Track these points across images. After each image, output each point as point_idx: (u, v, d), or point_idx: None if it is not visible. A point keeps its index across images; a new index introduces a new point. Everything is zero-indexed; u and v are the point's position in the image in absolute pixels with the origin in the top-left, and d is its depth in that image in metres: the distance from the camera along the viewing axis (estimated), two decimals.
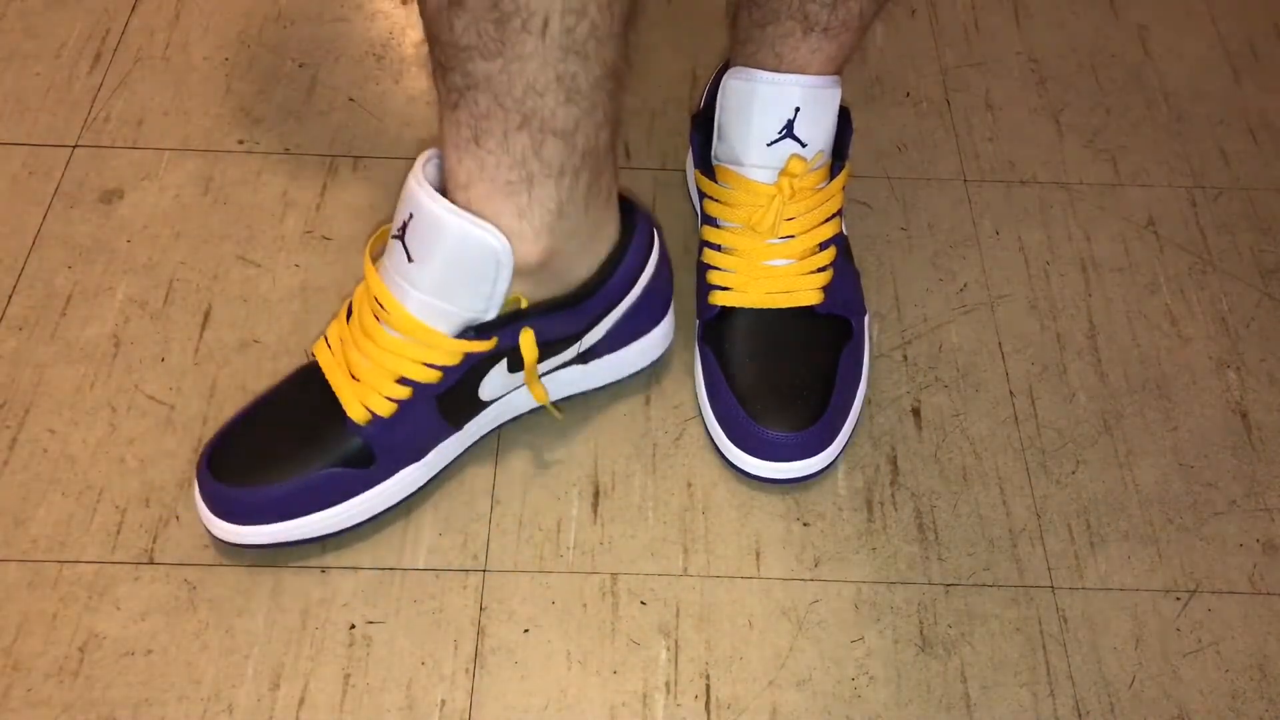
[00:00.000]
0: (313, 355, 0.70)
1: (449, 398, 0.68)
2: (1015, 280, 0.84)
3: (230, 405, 0.75)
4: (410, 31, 0.98)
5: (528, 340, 0.66)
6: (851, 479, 0.74)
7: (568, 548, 0.70)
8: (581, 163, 0.62)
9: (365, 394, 0.66)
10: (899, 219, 0.87)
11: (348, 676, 0.65)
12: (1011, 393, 0.78)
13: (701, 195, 0.77)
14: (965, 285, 0.83)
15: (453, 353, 0.65)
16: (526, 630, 0.67)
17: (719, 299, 0.74)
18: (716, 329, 0.74)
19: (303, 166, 0.89)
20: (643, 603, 0.68)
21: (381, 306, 0.65)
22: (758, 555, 0.70)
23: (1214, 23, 1.02)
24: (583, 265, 0.68)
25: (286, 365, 0.77)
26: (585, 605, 0.68)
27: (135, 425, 0.74)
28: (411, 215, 0.62)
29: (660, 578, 0.69)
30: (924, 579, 0.69)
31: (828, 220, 0.74)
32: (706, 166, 0.76)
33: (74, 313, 0.79)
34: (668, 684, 0.65)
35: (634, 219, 0.70)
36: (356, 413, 0.66)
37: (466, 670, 0.65)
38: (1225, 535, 0.72)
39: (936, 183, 0.90)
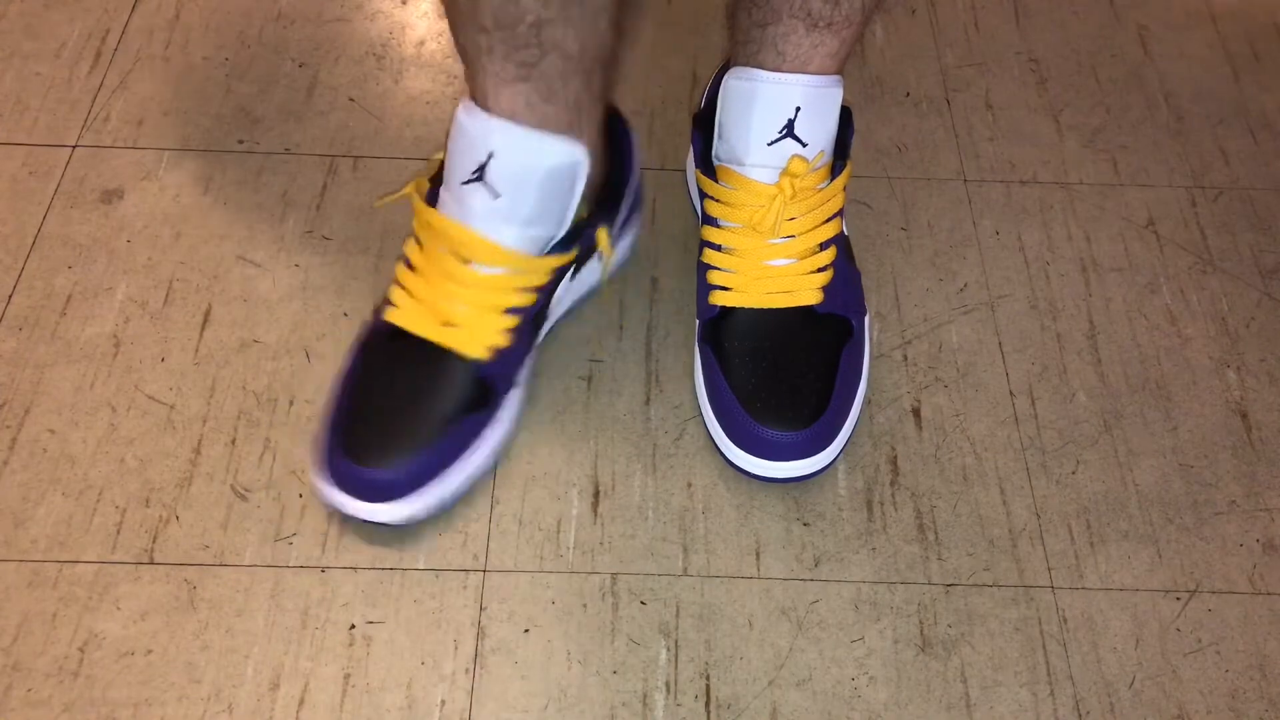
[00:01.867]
0: (377, 327, 0.71)
1: (538, 315, 0.74)
2: (1015, 280, 0.84)
3: (230, 405, 0.75)
4: (410, 31, 0.98)
5: (604, 238, 0.75)
6: (851, 479, 0.74)
7: (568, 548, 0.70)
8: (610, 80, 0.70)
9: (478, 334, 0.69)
10: (899, 219, 0.87)
11: (348, 676, 0.65)
12: (1011, 393, 0.78)
13: (702, 195, 0.76)
14: (965, 285, 0.83)
15: (545, 271, 0.71)
16: (526, 630, 0.67)
17: (719, 299, 0.74)
18: (716, 329, 0.74)
19: (303, 166, 0.89)
20: (643, 603, 0.68)
21: (469, 248, 0.68)
22: (758, 555, 0.70)
23: (1214, 22, 1.02)
24: (599, 168, 0.75)
25: (287, 365, 0.77)
26: (585, 605, 0.68)
27: (135, 425, 0.74)
28: (491, 154, 0.66)
29: (660, 578, 0.69)
30: (924, 579, 0.69)
31: (828, 220, 0.74)
32: (708, 166, 0.76)
33: (74, 313, 0.79)
34: (668, 684, 0.65)
35: (610, 118, 0.76)
36: (479, 351, 0.69)
37: (466, 670, 0.65)
38: (1225, 535, 0.72)
39: (936, 183, 0.90)
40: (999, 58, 0.99)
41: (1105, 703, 0.65)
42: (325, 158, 0.89)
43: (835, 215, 0.75)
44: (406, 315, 0.70)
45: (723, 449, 0.73)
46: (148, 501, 0.71)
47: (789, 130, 0.71)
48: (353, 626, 0.67)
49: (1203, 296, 0.84)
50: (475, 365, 0.70)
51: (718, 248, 0.75)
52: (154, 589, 0.68)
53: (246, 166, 0.89)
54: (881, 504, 0.73)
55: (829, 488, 0.73)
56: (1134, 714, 0.65)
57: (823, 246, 0.74)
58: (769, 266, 0.73)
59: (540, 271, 0.71)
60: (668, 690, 0.65)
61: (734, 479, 0.73)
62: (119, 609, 0.67)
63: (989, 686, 0.66)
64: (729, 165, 0.74)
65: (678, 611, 0.68)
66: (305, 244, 0.84)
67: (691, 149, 0.86)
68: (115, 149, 0.89)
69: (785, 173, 0.72)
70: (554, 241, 0.71)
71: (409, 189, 0.73)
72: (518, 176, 0.67)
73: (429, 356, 0.70)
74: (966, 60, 0.98)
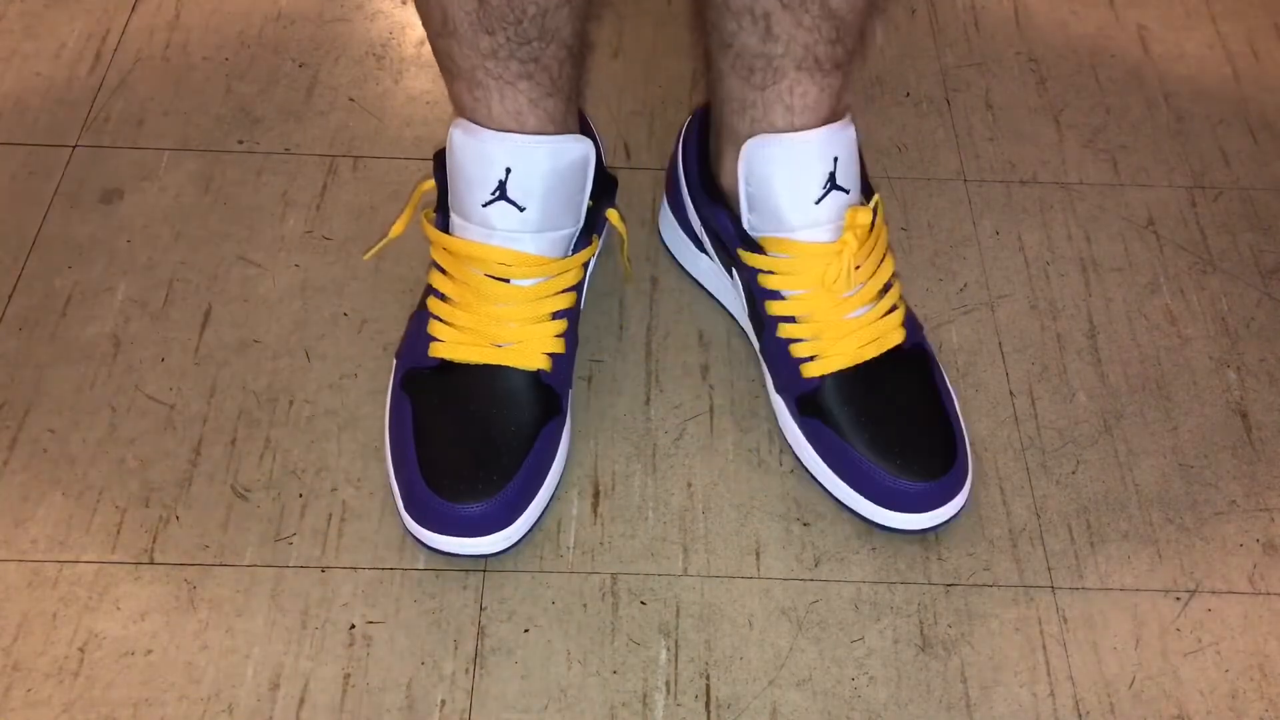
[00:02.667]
0: (417, 365, 0.71)
1: (577, 312, 0.74)
2: (1015, 280, 0.84)
3: (230, 405, 0.75)
4: (410, 31, 0.98)
5: (616, 218, 0.75)
6: None
7: (568, 548, 0.70)
8: (586, 62, 0.72)
9: (533, 346, 0.70)
10: (899, 219, 0.87)
11: (348, 676, 0.65)
12: (1011, 393, 0.78)
13: (754, 271, 0.72)
14: (965, 285, 0.83)
15: (577, 269, 0.72)
16: (526, 630, 0.67)
17: (814, 370, 0.71)
18: (817, 400, 0.71)
19: (302, 166, 0.89)
20: (643, 603, 0.68)
21: (507, 266, 0.69)
22: (758, 555, 0.70)
23: (1214, 22, 1.02)
24: None
25: (287, 365, 0.77)
26: (585, 605, 0.68)
27: (135, 425, 0.74)
28: (509, 169, 0.67)
29: (660, 578, 0.69)
30: (924, 579, 0.69)
31: (885, 256, 0.72)
32: (747, 242, 0.72)
33: (74, 313, 0.79)
34: (668, 684, 0.65)
35: None
36: (538, 362, 0.70)
37: (466, 670, 0.65)
38: (1225, 535, 0.72)
39: (936, 183, 0.90)
40: (999, 58, 0.99)
41: (1105, 703, 0.65)
42: (325, 158, 0.89)
43: (887, 249, 0.73)
44: (456, 347, 0.70)
45: (863, 512, 0.70)
46: (148, 501, 0.71)
47: (833, 183, 0.69)
48: (353, 626, 0.67)
49: (1203, 296, 0.84)
50: (538, 376, 0.70)
51: (791, 319, 0.71)
52: (154, 589, 0.68)
53: (246, 166, 0.89)
54: None
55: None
56: (1134, 714, 0.65)
57: (888, 285, 0.72)
58: (849, 321, 0.71)
59: (574, 270, 0.71)
60: (668, 690, 0.65)
61: (734, 479, 0.73)
62: (119, 609, 0.67)
63: (989, 686, 0.66)
64: (777, 235, 0.71)
65: (678, 611, 0.68)
66: (305, 244, 0.84)
67: (668, 209, 0.83)
68: (115, 149, 0.89)
69: (848, 226, 0.69)
70: (576, 236, 0.72)
71: (395, 232, 0.74)
72: (539, 185, 0.68)
73: (490, 380, 0.70)
74: (966, 60, 0.98)
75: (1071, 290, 0.84)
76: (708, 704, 0.65)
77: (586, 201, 0.72)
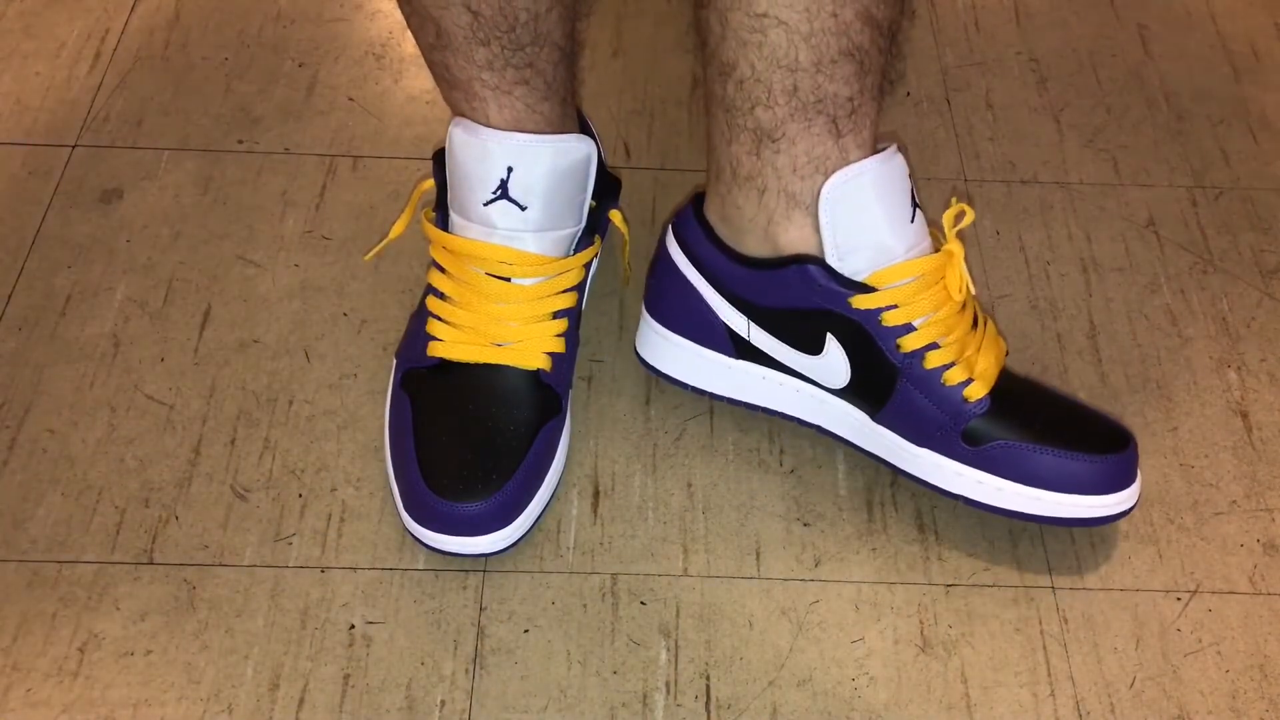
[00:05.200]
0: (416, 364, 0.71)
1: (578, 313, 0.74)
2: (1015, 280, 0.84)
3: (230, 405, 0.75)
4: (409, 31, 0.98)
5: (619, 219, 0.76)
6: (851, 479, 0.74)
7: (568, 548, 0.70)
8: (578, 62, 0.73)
9: (533, 345, 0.70)
10: None
11: (347, 677, 0.65)
12: None
13: (873, 314, 0.67)
14: None
15: (579, 269, 0.72)
16: (526, 630, 0.67)
17: (978, 390, 0.67)
18: (994, 420, 0.67)
19: (302, 166, 0.89)
20: (643, 603, 0.68)
21: (508, 265, 0.69)
22: (758, 555, 0.70)
23: (1214, 22, 1.02)
24: None
25: (286, 365, 0.77)
26: (585, 605, 0.68)
27: (135, 425, 0.74)
28: (511, 169, 0.67)
29: (660, 578, 0.69)
30: (924, 579, 0.69)
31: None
32: (856, 286, 0.66)
33: (73, 313, 0.79)
34: (668, 684, 0.65)
35: None
36: (538, 362, 0.70)
37: (466, 670, 0.65)
38: (1226, 535, 0.72)
39: (936, 183, 0.90)
40: (999, 58, 0.99)
41: (1106, 703, 0.65)
42: (325, 157, 0.89)
43: None
44: (455, 346, 0.70)
45: (1079, 513, 0.68)
46: (147, 501, 0.71)
47: (914, 201, 0.67)
48: (352, 627, 0.67)
49: (1203, 296, 0.84)
50: (538, 375, 0.70)
51: (934, 346, 0.67)
52: (153, 589, 0.68)
53: (246, 166, 0.88)
54: (881, 504, 0.73)
55: (829, 488, 0.73)
56: (1134, 714, 0.65)
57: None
58: (976, 332, 0.69)
59: (576, 270, 0.71)
60: (668, 690, 0.65)
61: (734, 479, 0.73)
62: (118, 609, 0.67)
63: (989, 687, 0.66)
64: (886, 267, 0.66)
65: (678, 612, 0.68)
66: (305, 244, 0.84)
67: (656, 329, 0.74)
68: (115, 149, 0.89)
69: (951, 228, 0.67)
70: (578, 237, 0.72)
71: (395, 232, 0.74)
72: (541, 184, 0.68)
73: (490, 379, 0.70)
74: (966, 60, 0.98)
75: (1072, 290, 0.83)
76: (708, 704, 0.65)
77: (588, 201, 0.71)
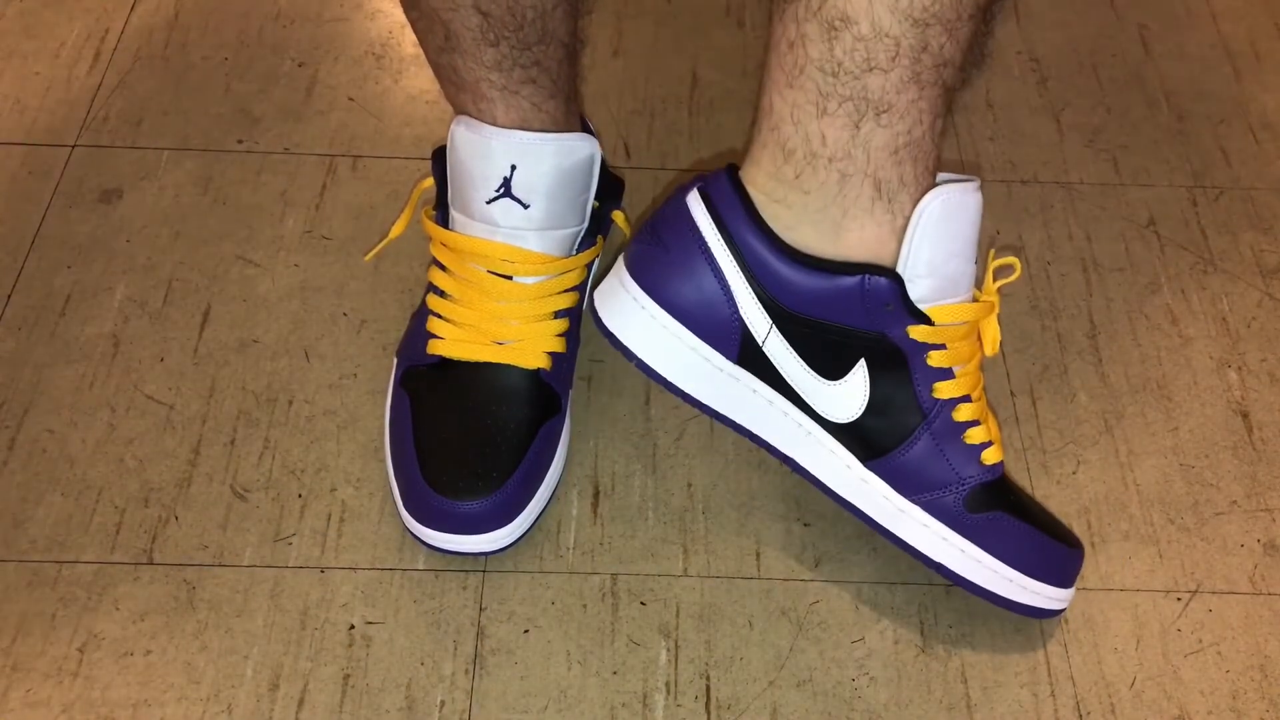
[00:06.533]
0: (416, 361, 0.71)
1: (579, 312, 0.74)
2: (1015, 280, 0.84)
3: (230, 405, 0.75)
4: (410, 31, 0.98)
5: (622, 219, 0.76)
6: None
7: (568, 548, 0.70)
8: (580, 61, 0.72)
9: (534, 344, 0.70)
10: None
11: (347, 677, 0.65)
12: (1012, 393, 0.78)
13: (921, 351, 0.61)
14: None
15: (580, 269, 0.72)
16: (526, 630, 0.67)
17: (995, 454, 0.64)
18: (1000, 488, 0.65)
19: (302, 166, 0.89)
20: (643, 603, 0.68)
21: (510, 263, 0.69)
22: (758, 555, 0.70)
23: (1215, 21, 1.02)
24: None
25: (286, 365, 0.77)
26: (585, 605, 0.68)
27: (134, 425, 0.74)
28: (514, 166, 0.67)
29: (660, 578, 0.69)
30: (924, 579, 0.69)
31: None
32: (918, 315, 0.60)
33: (73, 313, 0.79)
34: (668, 684, 0.65)
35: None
36: (539, 361, 0.70)
37: (466, 670, 0.65)
38: (1226, 535, 0.72)
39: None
40: (999, 57, 0.99)
41: (1106, 703, 0.65)
42: (325, 157, 0.89)
43: None
44: (456, 345, 0.70)
45: (1038, 602, 0.65)
46: (147, 502, 0.71)
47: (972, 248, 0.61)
48: (352, 627, 0.67)
49: (1204, 296, 0.83)
50: (538, 375, 0.70)
51: (966, 399, 0.63)
52: (153, 589, 0.68)
53: (246, 166, 0.88)
54: None
55: None
56: (1135, 714, 0.65)
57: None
58: (986, 394, 0.66)
59: (578, 269, 0.71)
60: (668, 691, 0.65)
61: (734, 479, 0.73)
62: (118, 609, 0.67)
63: (989, 687, 0.66)
64: (951, 302, 0.61)
65: (678, 612, 0.68)
66: (305, 244, 0.84)
67: (657, 313, 0.63)
68: (114, 149, 0.89)
69: (999, 279, 0.63)
70: (580, 236, 0.72)
71: (395, 232, 0.74)
72: (544, 183, 0.68)
73: (490, 377, 0.69)
74: None
75: (1072, 290, 0.83)
76: (708, 705, 0.65)
77: (591, 201, 0.71)
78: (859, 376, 0.62)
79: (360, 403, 0.76)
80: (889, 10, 0.52)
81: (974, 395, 0.63)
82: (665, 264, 0.62)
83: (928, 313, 0.60)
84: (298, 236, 0.84)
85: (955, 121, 0.94)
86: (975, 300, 0.63)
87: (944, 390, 0.62)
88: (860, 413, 0.62)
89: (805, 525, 0.71)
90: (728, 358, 0.63)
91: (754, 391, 0.64)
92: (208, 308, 0.80)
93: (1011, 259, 0.64)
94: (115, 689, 0.64)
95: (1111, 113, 0.95)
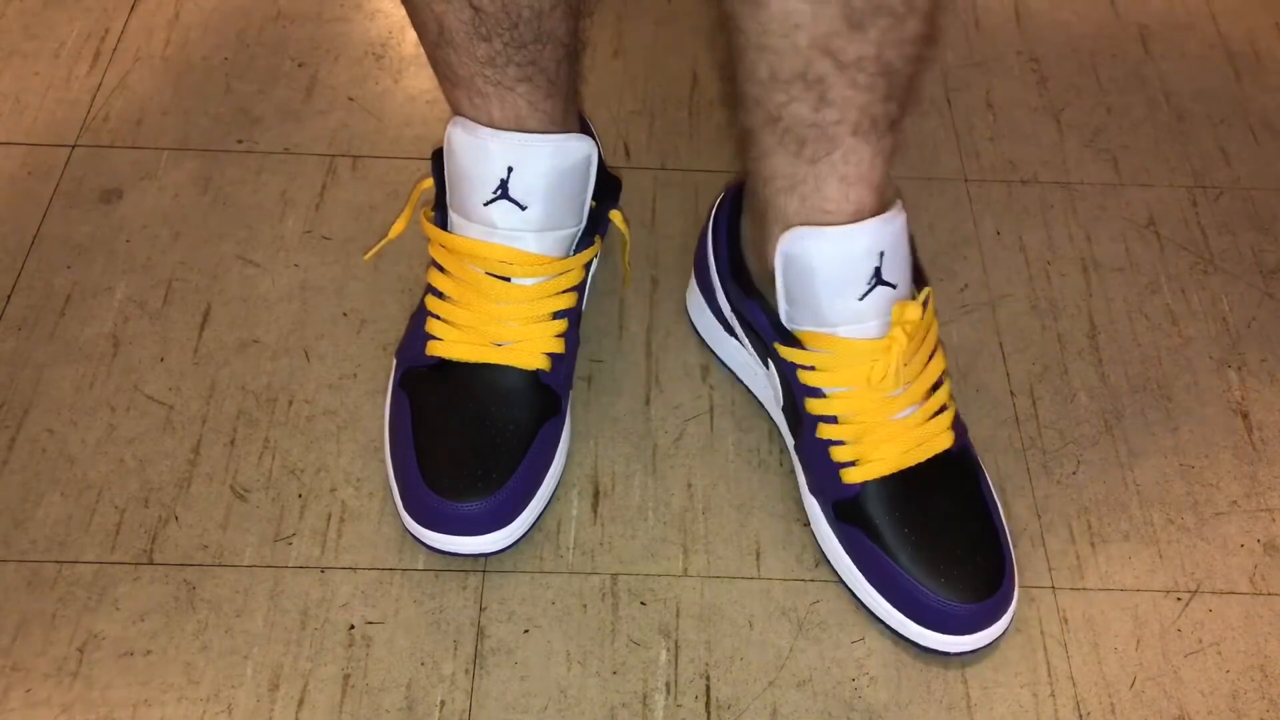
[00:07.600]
0: (415, 363, 0.70)
1: (578, 313, 0.74)
2: (1016, 280, 0.84)
3: (229, 405, 0.75)
4: (410, 31, 0.98)
5: (619, 220, 0.75)
6: None
7: (568, 548, 0.70)
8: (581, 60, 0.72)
9: (533, 345, 0.70)
10: None
11: (347, 677, 0.65)
12: (1012, 393, 0.78)
13: (793, 366, 0.67)
14: (966, 285, 0.83)
15: (579, 269, 0.71)
16: (526, 630, 0.67)
17: (855, 475, 0.66)
18: (858, 507, 0.66)
19: (302, 166, 0.89)
20: (643, 603, 0.68)
21: (509, 264, 0.69)
22: (758, 556, 0.70)
23: (1214, 22, 1.02)
24: None
25: (286, 365, 0.77)
26: (585, 605, 0.68)
27: (134, 425, 0.74)
28: (511, 168, 0.67)
29: (660, 578, 0.69)
30: None
31: (934, 351, 0.67)
32: (785, 335, 0.67)
33: (73, 313, 0.79)
34: (668, 684, 0.65)
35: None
36: (538, 362, 0.69)
37: (466, 670, 0.65)
38: (1226, 535, 0.72)
39: (937, 182, 0.90)
40: (999, 58, 0.99)
41: (1106, 703, 0.65)
42: (324, 157, 0.89)
43: (936, 346, 0.68)
44: (455, 346, 0.70)
45: (900, 629, 0.66)
46: (147, 502, 0.71)
47: (878, 279, 0.64)
48: (352, 627, 0.67)
49: (1204, 296, 0.83)
50: (537, 376, 0.70)
51: (832, 419, 0.66)
52: (153, 589, 0.68)
53: (246, 166, 0.88)
54: None
55: None
56: (1135, 715, 0.65)
57: (938, 383, 0.68)
58: (895, 422, 0.66)
59: (576, 270, 0.71)
60: (668, 691, 0.65)
61: (734, 479, 0.73)
62: (118, 609, 0.67)
63: (989, 687, 0.66)
64: (818, 330, 0.66)
65: (678, 612, 0.68)
66: (305, 244, 0.84)
67: (697, 289, 0.78)
68: (114, 149, 0.89)
69: (896, 322, 0.64)
70: (578, 237, 0.72)
71: (394, 232, 0.73)
72: (542, 184, 0.67)
73: (489, 378, 0.69)
74: (967, 60, 0.98)
75: (1072, 290, 0.83)
76: (708, 705, 0.65)
77: (589, 201, 0.71)
78: (773, 371, 0.71)
79: (360, 403, 0.76)
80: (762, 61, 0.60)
81: (845, 418, 0.66)
82: (700, 265, 0.78)
83: (800, 335, 0.67)
84: (298, 236, 0.84)
85: (955, 121, 0.94)
86: (865, 337, 0.65)
87: (812, 406, 0.67)
88: (780, 404, 0.71)
89: (805, 525, 0.71)
90: (726, 333, 0.77)
91: (749, 361, 0.76)
92: (208, 308, 0.80)
93: (912, 303, 0.64)
94: (115, 689, 0.64)
95: (1111, 113, 0.95)
